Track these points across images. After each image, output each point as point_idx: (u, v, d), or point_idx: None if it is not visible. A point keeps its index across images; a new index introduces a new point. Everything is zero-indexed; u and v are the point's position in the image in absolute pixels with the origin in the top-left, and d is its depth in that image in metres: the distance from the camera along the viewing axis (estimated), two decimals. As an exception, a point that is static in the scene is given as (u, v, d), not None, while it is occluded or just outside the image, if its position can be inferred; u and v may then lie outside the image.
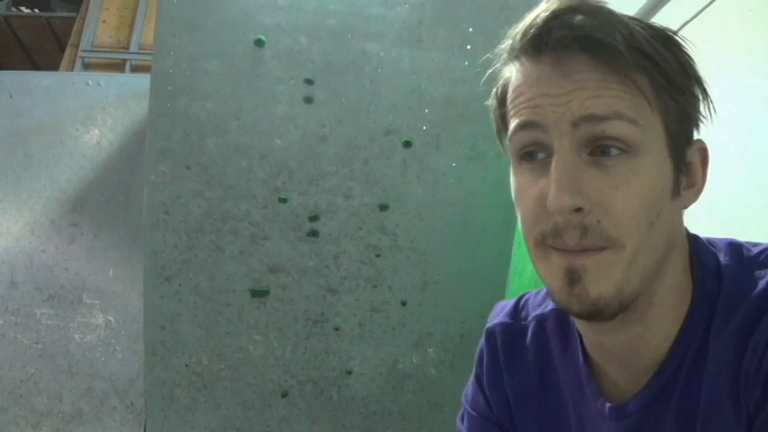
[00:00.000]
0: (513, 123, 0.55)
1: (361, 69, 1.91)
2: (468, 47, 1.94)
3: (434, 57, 1.93)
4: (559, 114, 0.51)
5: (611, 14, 0.51)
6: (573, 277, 0.51)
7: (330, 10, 1.90)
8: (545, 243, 0.53)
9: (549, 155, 0.52)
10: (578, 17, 0.50)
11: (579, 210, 0.50)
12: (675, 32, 0.54)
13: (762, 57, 1.02)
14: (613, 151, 0.51)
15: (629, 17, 0.53)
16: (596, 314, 0.52)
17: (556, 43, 0.51)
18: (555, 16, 0.51)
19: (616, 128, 0.50)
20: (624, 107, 0.50)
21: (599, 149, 0.51)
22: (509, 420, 0.71)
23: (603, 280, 0.51)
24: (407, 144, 1.93)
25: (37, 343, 2.67)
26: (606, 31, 0.50)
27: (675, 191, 0.54)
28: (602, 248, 0.50)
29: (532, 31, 0.52)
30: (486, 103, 0.61)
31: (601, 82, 0.50)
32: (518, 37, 0.54)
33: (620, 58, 0.50)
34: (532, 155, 0.54)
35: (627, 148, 0.50)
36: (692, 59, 0.54)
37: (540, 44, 0.52)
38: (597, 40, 0.50)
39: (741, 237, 0.59)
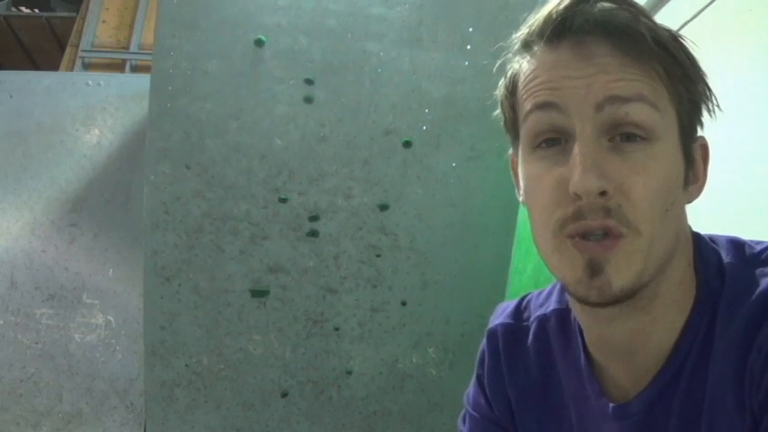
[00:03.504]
0: (527, 106, 0.54)
1: (361, 69, 1.91)
2: (468, 47, 1.93)
3: (434, 57, 1.93)
4: (582, 96, 0.51)
5: (632, 3, 0.52)
6: (594, 269, 0.51)
7: (330, 10, 1.90)
8: (563, 231, 0.52)
9: (567, 140, 0.52)
10: (601, 4, 0.51)
11: (603, 193, 0.50)
12: (678, 33, 0.55)
13: (762, 57, 1.02)
14: (633, 138, 0.51)
15: None
16: (614, 303, 0.52)
17: (578, 28, 0.52)
18: (577, 2, 0.52)
19: (639, 110, 0.50)
20: (646, 91, 0.51)
21: (618, 136, 0.51)
22: (510, 421, 0.71)
23: (625, 271, 0.51)
24: (407, 144, 1.93)
25: (37, 343, 2.67)
26: (631, 18, 0.51)
27: (685, 182, 0.54)
28: (621, 236, 0.50)
29: (554, 16, 0.52)
30: (495, 93, 0.60)
31: (621, 67, 0.51)
32: (537, 24, 0.54)
33: (641, 46, 0.50)
34: (547, 142, 0.53)
35: (646, 135, 0.51)
36: (695, 58, 0.55)
37: (562, 29, 0.52)
38: (621, 26, 0.51)
39: (743, 236, 0.59)
